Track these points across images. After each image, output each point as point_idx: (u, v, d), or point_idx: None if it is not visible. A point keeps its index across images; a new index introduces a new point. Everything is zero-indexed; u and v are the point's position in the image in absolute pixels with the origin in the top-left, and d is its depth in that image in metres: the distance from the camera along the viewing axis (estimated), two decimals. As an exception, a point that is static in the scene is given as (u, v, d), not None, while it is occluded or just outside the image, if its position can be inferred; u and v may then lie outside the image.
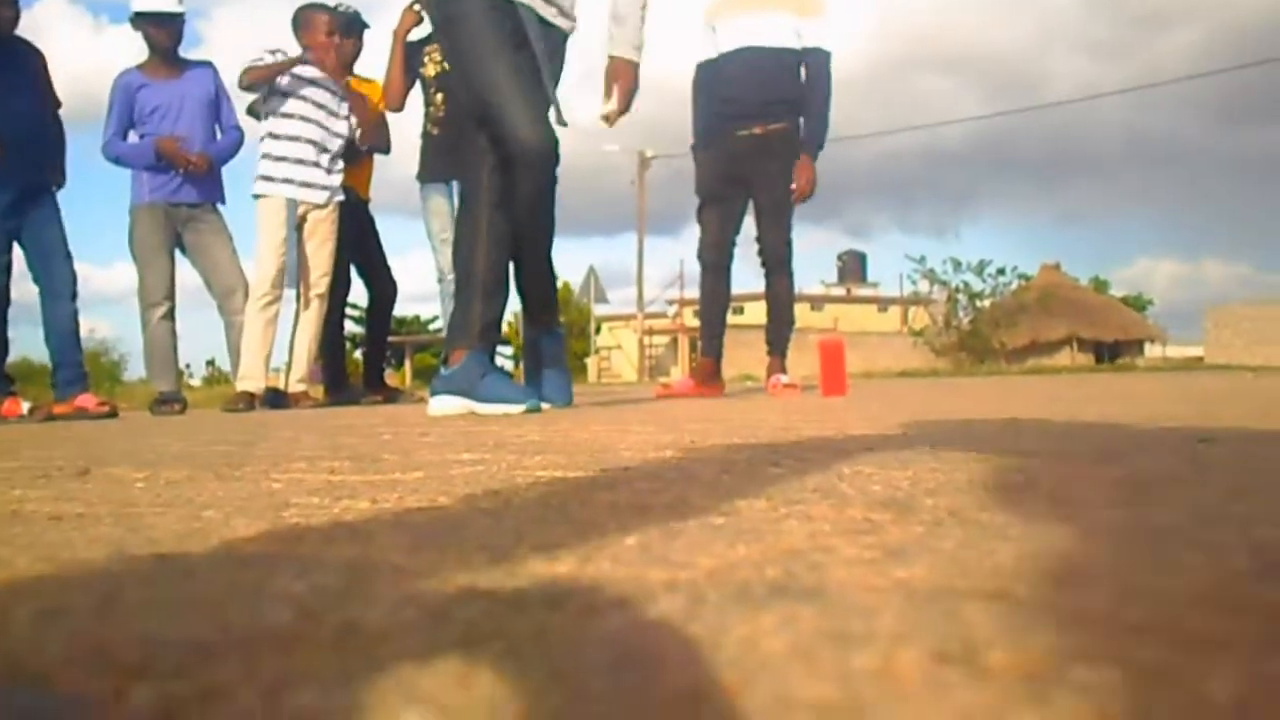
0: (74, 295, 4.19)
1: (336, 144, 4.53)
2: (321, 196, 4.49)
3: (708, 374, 4.68)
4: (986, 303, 23.87)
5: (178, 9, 4.54)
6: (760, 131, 4.41)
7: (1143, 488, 0.87)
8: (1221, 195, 58.18)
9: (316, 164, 4.47)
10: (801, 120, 4.47)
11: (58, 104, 4.32)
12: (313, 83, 4.48)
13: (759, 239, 4.55)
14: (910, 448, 1.34)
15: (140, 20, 4.50)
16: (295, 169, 4.45)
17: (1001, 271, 23.97)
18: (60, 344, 4.17)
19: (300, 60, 4.41)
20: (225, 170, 4.62)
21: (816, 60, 4.45)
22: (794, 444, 1.48)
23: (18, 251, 4.16)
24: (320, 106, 4.48)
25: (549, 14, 2.95)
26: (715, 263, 4.59)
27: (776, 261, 4.54)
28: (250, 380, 4.43)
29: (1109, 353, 29.83)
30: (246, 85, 4.43)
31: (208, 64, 4.64)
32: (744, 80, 4.40)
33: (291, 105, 4.43)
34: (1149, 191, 63.96)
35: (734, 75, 4.43)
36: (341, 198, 4.56)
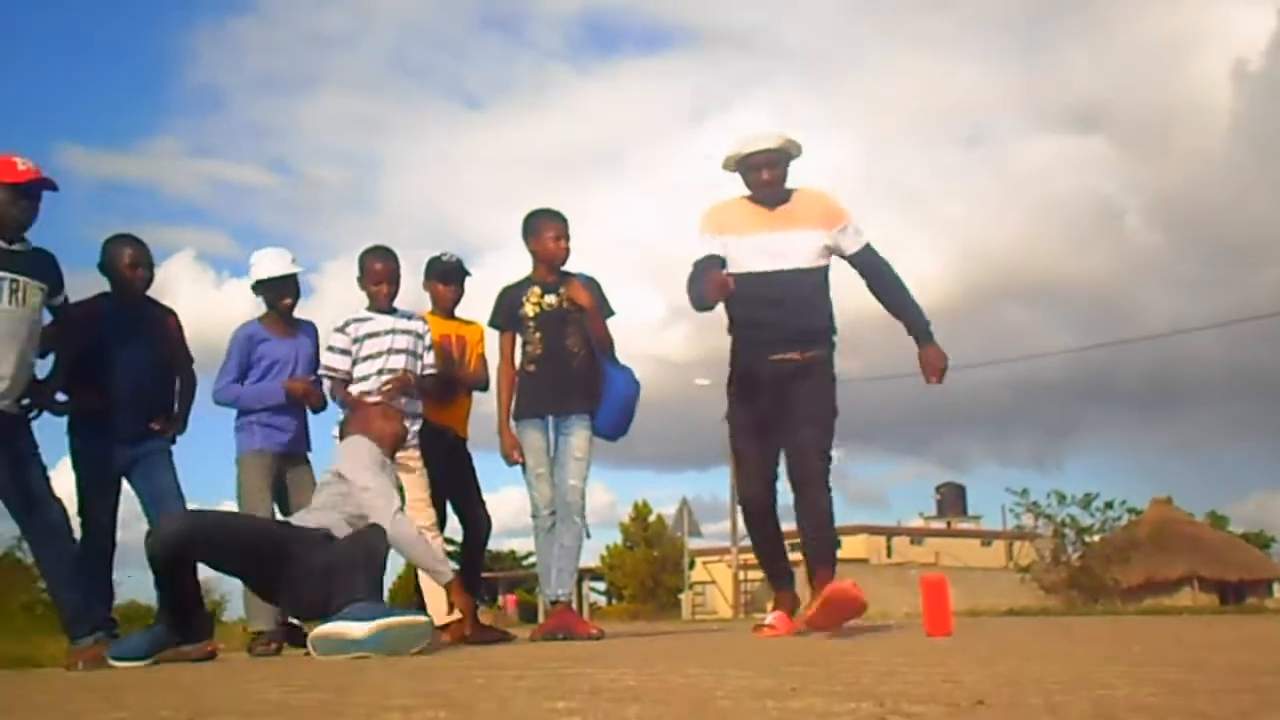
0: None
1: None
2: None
3: (793, 606, 4.34)
4: (1096, 538, 22.92)
5: (294, 269, 4.76)
6: (799, 358, 4.03)
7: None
8: (1337, 425, 56.04)
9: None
10: (897, 315, 4.17)
11: (189, 360, 4.58)
12: (391, 331, 4.58)
13: (792, 446, 4.02)
14: (1023, 703, 1.27)
15: (261, 287, 4.73)
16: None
17: (1110, 505, 23.08)
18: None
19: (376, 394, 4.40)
20: None
21: (867, 258, 4.14)
22: (899, 694, 1.42)
23: (129, 496, 4.31)
24: (401, 352, 4.56)
25: None
26: (760, 504, 4.18)
27: (813, 473, 3.97)
28: None
29: (1233, 593, 28.10)
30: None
31: (312, 324, 4.88)
32: (777, 306, 4.02)
33: (371, 351, 4.53)
34: (1258, 423, 62.01)
35: (766, 300, 4.03)
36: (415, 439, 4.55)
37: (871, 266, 4.15)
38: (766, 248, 4.02)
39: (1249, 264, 55.45)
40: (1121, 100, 62.83)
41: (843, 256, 4.12)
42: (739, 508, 4.22)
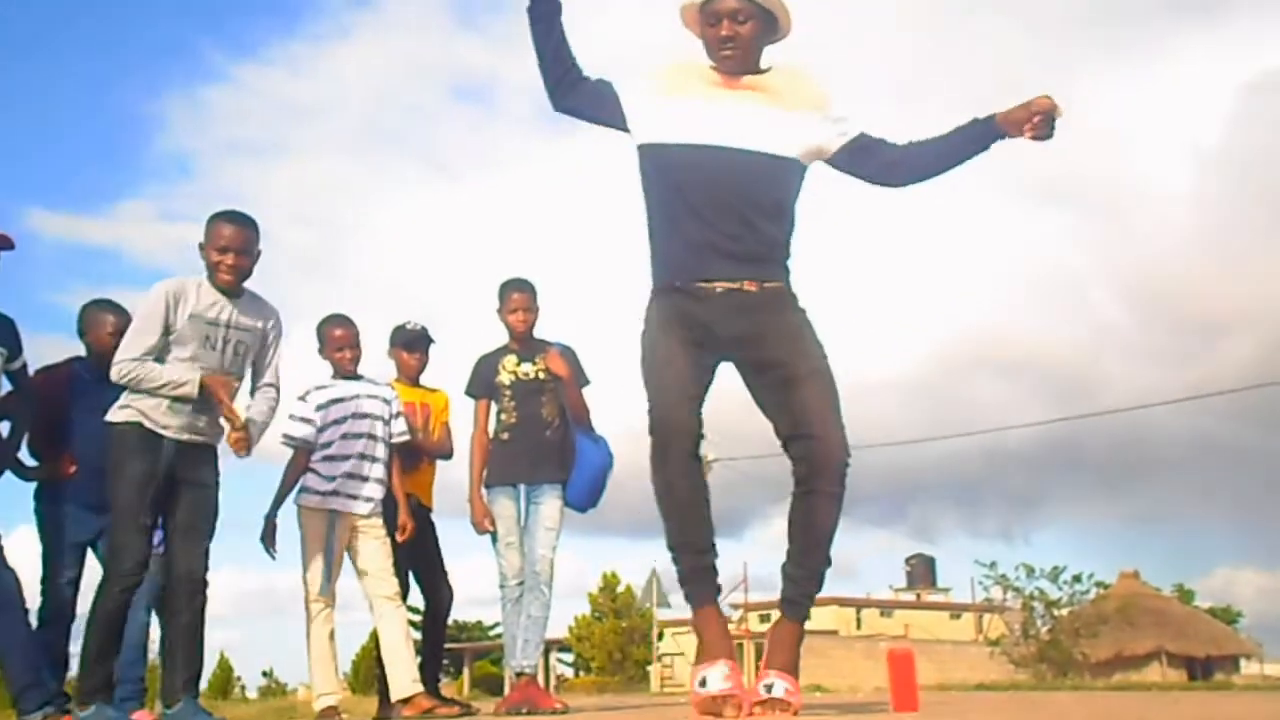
0: (148, 607, 4.20)
1: (383, 452, 4.55)
2: (365, 508, 4.50)
3: (720, 632, 2.84)
4: (1064, 611, 22.91)
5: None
6: (754, 289, 2.82)
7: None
8: (1300, 503, 56.78)
9: (358, 476, 4.46)
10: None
11: None
12: (356, 397, 4.54)
13: (794, 434, 2.79)
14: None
15: None
16: (339, 482, 4.42)
17: (1078, 579, 23.14)
18: (125, 657, 4.13)
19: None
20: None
21: (865, 140, 2.95)
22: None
23: (92, 566, 4.22)
24: (365, 416, 4.52)
25: None
26: (681, 429, 2.76)
27: (832, 474, 2.78)
28: (330, 695, 4.36)
29: (1201, 669, 28.07)
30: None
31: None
32: (726, 201, 2.80)
33: (336, 417, 4.48)
34: (1223, 498, 62.66)
35: (710, 188, 2.80)
36: (378, 509, 4.50)
37: (871, 143, 2.95)
38: (725, 117, 2.83)
39: (1210, 338, 56.47)
40: (1087, 176, 64.27)
41: (828, 158, 2.94)
42: (652, 447, 2.78)
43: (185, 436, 3.62)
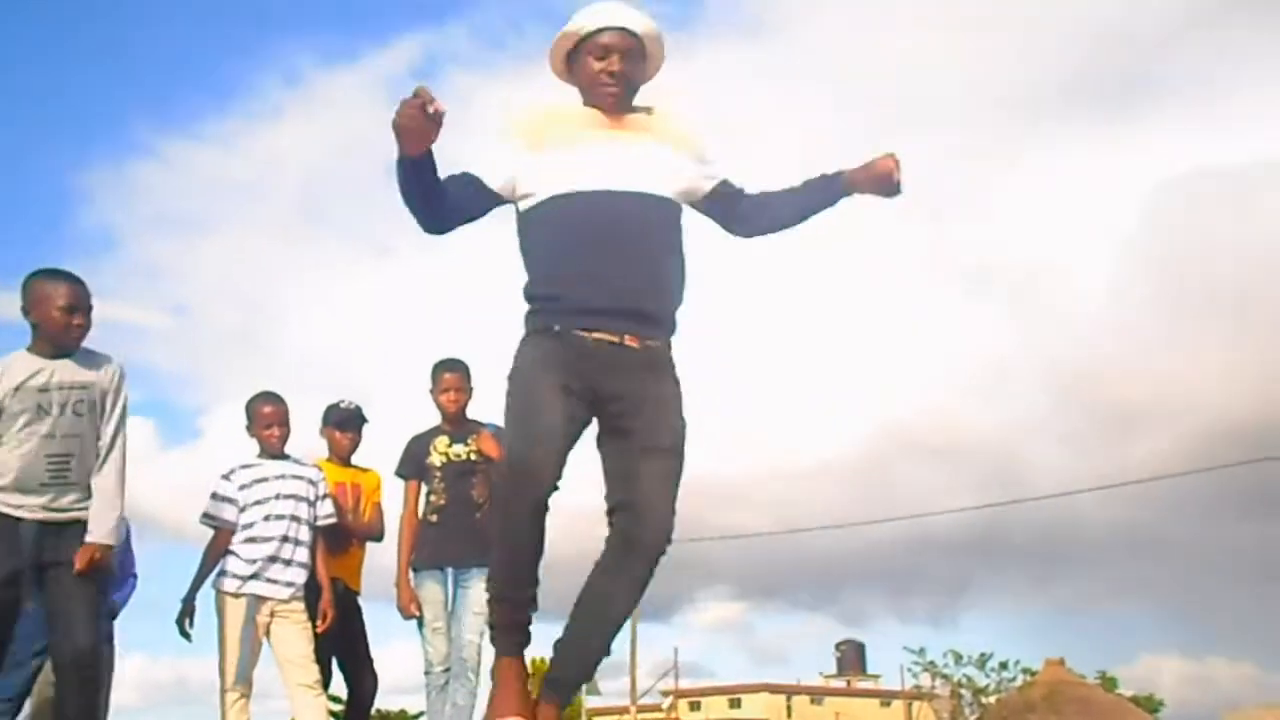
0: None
1: (306, 534, 4.44)
2: (286, 592, 4.38)
3: (518, 688, 2.63)
4: (992, 699, 22.97)
5: None
6: (634, 345, 2.61)
7: None
8: (1218, 592, 57.99)
9: (280, 559, 4.33)
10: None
11: None
12: (281, 477, 4.44)
13: (623, 504, 2.63)
14: None
15: None
16: (260, 565, 4.30)
17: (1004, 665, 23.30)
18: None
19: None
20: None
21: (730, 187, 2.85)
22: None
23: None
24: (290, 497, 4.42)
25: None
26: (541, 476, 2.52)
27: (647, 556, 2.64)
28: None
29: (1127, 757, 28.22)
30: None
31: None
32: (611, 247, 2.60)
33: (258, 497, 4.37)
34: (1145, 586, 63.89)
35: (593, 235, 2.60)
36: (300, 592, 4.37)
37: (731, 192, 2.85)
38: (604, 160, 2.64)
39: (1129, 428, 57.97)
40: (1006, 265, 66.24)
41: (694, 201, 2.82)
42: (503, 487, 2.67)
43: (43, 515, 3.35)
